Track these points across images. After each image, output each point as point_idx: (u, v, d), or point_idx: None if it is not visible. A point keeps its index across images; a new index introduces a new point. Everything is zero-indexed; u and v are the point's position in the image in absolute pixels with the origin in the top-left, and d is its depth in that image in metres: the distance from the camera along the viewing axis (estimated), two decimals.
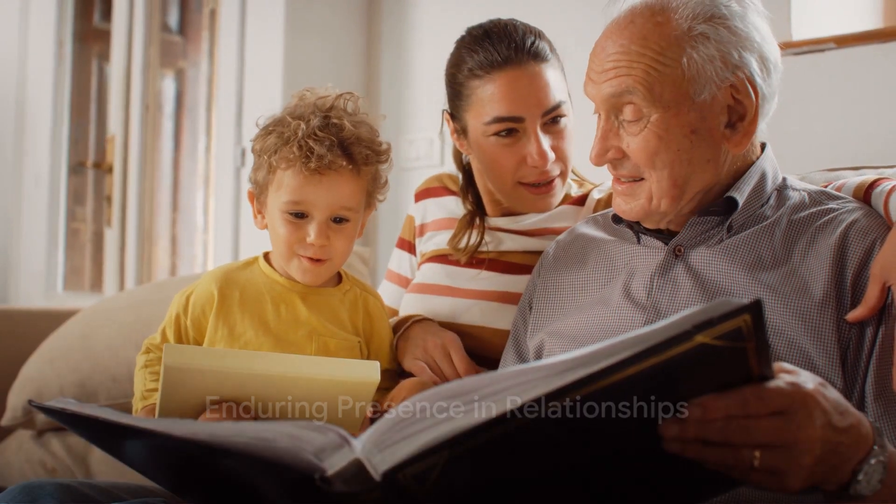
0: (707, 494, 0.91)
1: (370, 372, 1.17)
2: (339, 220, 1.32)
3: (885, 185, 1.21)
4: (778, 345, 1.10)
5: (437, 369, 1.42)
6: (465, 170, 1.62)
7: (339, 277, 1.41)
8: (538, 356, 1.33)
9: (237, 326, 1.33)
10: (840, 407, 0.86)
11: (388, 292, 1.71)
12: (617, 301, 1.25)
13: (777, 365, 0.85)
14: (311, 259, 1.32)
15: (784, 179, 1.27)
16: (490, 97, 1.45)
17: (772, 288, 1.15)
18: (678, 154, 1.18)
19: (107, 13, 3.90)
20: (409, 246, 1.72)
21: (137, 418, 1.11)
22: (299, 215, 1.31)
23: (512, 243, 1.55)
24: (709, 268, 1.20)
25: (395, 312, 1.63)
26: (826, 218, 1.19)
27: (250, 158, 1.40)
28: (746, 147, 1.21)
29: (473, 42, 1.48)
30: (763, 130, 1.23)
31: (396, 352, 1.47)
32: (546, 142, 1.45)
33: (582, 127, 1.48)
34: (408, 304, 1.60)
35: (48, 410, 1.02)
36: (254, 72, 3.03)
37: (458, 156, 1.63)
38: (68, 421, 1.05)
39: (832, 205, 1.21)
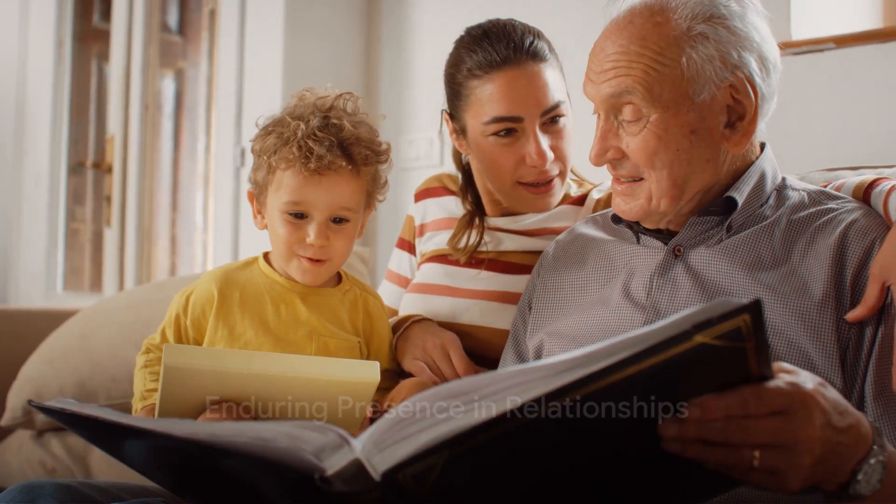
0: (707, 494, 0.91)
1: (370, 372, 1.17)
2: (338, 221, 1.32)
3: (885, 185, 1.21)
4: (777, 345, 1.10)
5: (436, 369, 1.42)
6: (465, 170, 1.62)
7: (338, 277, 1.41)
8: (538, 356, 1.33)
9: (237, 326, 1.33)
10: (839, 407, 0.86)
11: (387, 292, 1.71)
12: (616, 301, 1.25)
13: (776, 365, 0.85)
14: (310, 259, 1.32)
15: (783, 179, 1.27)
16: (489, 97, 1.45)
17: (771, 288, 1.15)
18: (677, 154, 1.18)
19: (106, 13, 3.90)
20: (408, 246, 1.72)
21: (137, 418, 1.11)
22: (299, 216, 1.31)
23: (511, 243, 1.56)
24: (708, 268, 1.20)
25: (395, 312, 1.63)
26: (825, 218, 1.19)
27: (250, 158, 1.40)
28: (746, 147, 1.21)
29: (472, 42, 1.48)
30: (762, 130, 1.23)
31: (396, 352, 1.47)
32: (545, 141, 1.45)
33: (581, 127, 1.48)
34: (407, 304, 1.60)
35: (48, 410, 1.02)
36: (253, 72, 3.03)
37: (457, 156, 1.63)
38: (68, 421, 1.05)
39: (831, 205, 1.21)
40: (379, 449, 0.77)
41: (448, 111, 1.55)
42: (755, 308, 0.76)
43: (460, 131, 1.53)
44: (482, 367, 1.44)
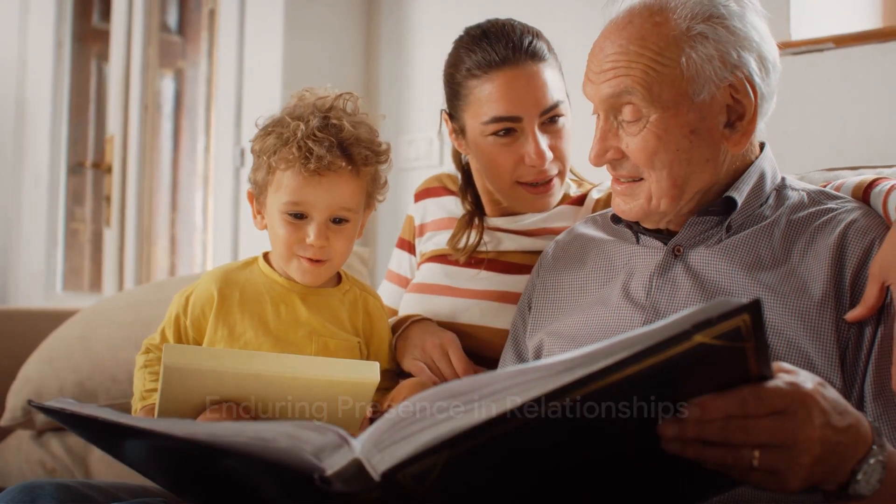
0: (706, 494, 0.91)
1: (370, 372, 1.17)
2: (338, 221, 1.32)
3: (884, 185, 1.21)
4: (777, 344, 1.10)
5: (435, 369, 1.42)
6: (465, 170, 1.62)
7: (338, 278, 1.41)
8: (537, 356, 1.33)
9: (237, 327, 1.33)
10: (839, 407, 0.86)
11: (388, 292, 1.71)
12: (616, 301, 1.25)
13: (776, 365, 0.85)
14: (310, 260, 1.32)
15: (783, 179, 1.27)
16: (488, 97, 1.45)
17: (771, 288, 1.15)
18: (677, 154, 1.18)
19: (106, 13, 3.90)
20: (408, 246, 1.72)
21: (137, 418, 1.11)
22: (299, 216, 1.31)
23: (511, 243, 1.56)
24: (708, 268, 1.20)
25: (395, 312, 1.63)
26: (825, 218, 1.19)
27: (249, 158, 1.40)
28: (745, 147, 1.21)
29: (471, 42, 1.48)
30: (762, 130, 1.23)
31: (395, 352, 1.47)
32: (544, 141, 1.45)
33: (581, 127, 1.48)
34: (407, 304, 1.60)
35: (47, 410, 1.02)
36: (253, 72, 3.03)
37: (457, 156, 1.63)
38: (68, 421, 1.05)
39: (831, 204, 1.21)
40: (378, 449, 0.77)
41: (447, 111, 1.55)
42: (755, 308, 0.76)
43: (459, 131, 1.53)
44: (482, 367, 1.44)
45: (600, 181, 1.61)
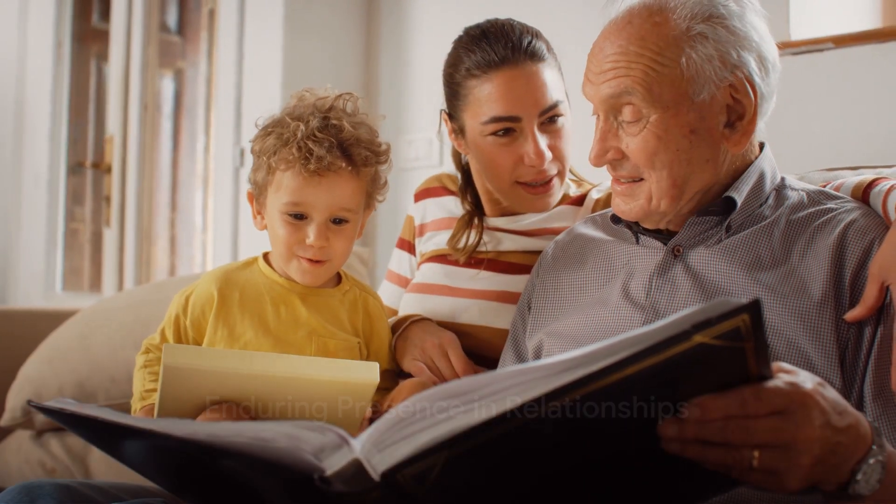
0: (706, 494, 0.91)
1: (369, 373, 1.17)
2: (338, 222, 1.32)
3: (884, 185, 1.21)
4: (777, 345, 1.10)
5: (435, 370, 1.42)
6: (464, 170, 1.62)
7: (338, 278, 1.41)
8: (537, 356, 1.33)
9: (237, 327, 1.33)
10: (839, 407, 0.86)
11: (388, 292, 1.71)
12: (616, 301, 1.25)
13: (776, 365, 0.85)
14: (310, 260, 1.32)
15: (783, 179, 1.27)
16: (487, 97, 1.45)
17: (770, 288, 1.15)
18: (677, 154, 1.18)
19: (105, 13, 3.90)
20: (408, 246, 1.72)
21: (136, 418, 1.11)
22: (299, 216, 1.31)
23: (511, 243, 1.56)
24: (707, 268, 1.20)
25: (395, 313, 1.63)
26: (825, 218, 1.19)
27: (249, 158, 1.40)
28: (745, 146, 1.21)
29: (471, 42, 1.48)
30: (762, 130, 1.23)
31: (395, 352, 1.47)
32: (543, 141, 1.45)
33: (580, 127, 1.48)
34: (407, 304, 1.60)
35: (47, 411, 1.02)
36: (253, 72, 3.03)
37: (457, 156, 1.63)
38: (67, 421, 1.05)
39: (831, 204, 1.22)
40: (378, 449, 0.77)
41: (447, 111, 1.55)
42: (754, 308, 0.76)
43: (459, 131, 1.53)
44: (481, 367, 1.44)
45: (600, 181, 1.61)
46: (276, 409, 1.18)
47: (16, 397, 2.25)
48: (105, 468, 2.20)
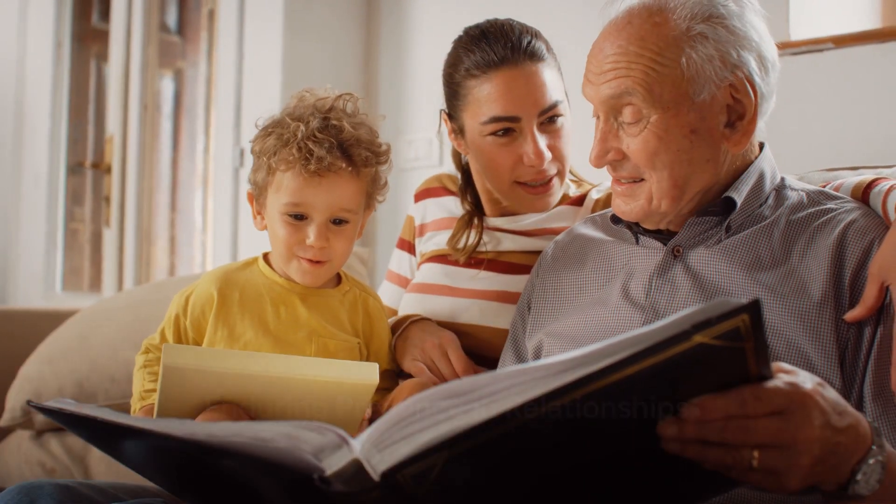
0: (706, 494, 0.91)
1: (369, 373, 1.17)
2: (338, 222, 1.32)
3: (883, 185, 1.21)
4: (776, 345, 1.10)
5: (435, 370, 1.42)
6: (464, 170, 1.62)
7: (338, 278, 1.41)
8: (537, 356, 1.33)
9: (237, 327, 1.33)
10: (838, 407, 0.86)
11: (388, 293, 1.71)
12: (615, 301, 1.25)
13: (776, 365, 0.85)
14: (310, 261, 1.32)
15: (782, 179, 1.27)
16: (487, 97, 1.45)
17: (770, 288, 1.15)
18: (678, 154, 1.18)
19: (105, 13, 3.90)
20: (409, 246, 1.72)
21: (136, 418, 1.11)
22: (299, 217, 1.31)
23: (511, 243, 1.56)
24: (707, 268, 1.20)
25: (395, 313, 1.63)
26: (824, 218, 1.19)
27: (249, 159, 1.40)
28: (746, 146, 1.21)
29: (470, 42, 1.48)
30: (762, 130, 1.23)
31: (395, 352, 1.47)
32: (543, 141, 1.45)
33: (580, 127, 1.48)
34: (407, 304, 1.60)
35: (47, 411, 1.02)
36: (252, 72, 3.03)
37: (457, 156, 1.63)
38: (67, 421, 1.05)
39: (830, 205, 1.21)
40: (378, 449, 0.77)
41: (446, 111, 1.55)
42: (754, 308, 0.76)
43: (458, 131, 1.53)
44: (481, 367, 1.44)
45: (599, 181, 1.61)
46: (276, 409, 1.18)
47: (15, 397, 2.25)
48: (105, 468, 2.20)
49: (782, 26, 1.94)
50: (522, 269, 1.52)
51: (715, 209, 1.21)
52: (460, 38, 1.52)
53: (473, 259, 1.56)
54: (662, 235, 1.26)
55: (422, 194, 1.71)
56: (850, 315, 1.10)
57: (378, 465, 0.77)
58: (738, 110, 1.19)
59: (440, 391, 0.78)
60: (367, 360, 1.39)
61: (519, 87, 1.44)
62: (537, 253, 1.49)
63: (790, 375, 0.85)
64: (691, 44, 1.15)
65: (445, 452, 0.75)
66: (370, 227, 2.85)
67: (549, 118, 1.46)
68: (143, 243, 3.68)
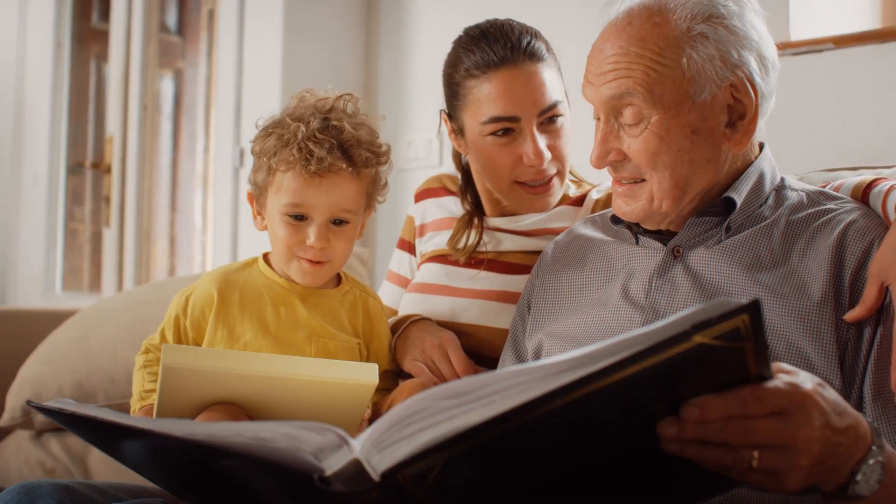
0: (705, 495, 0.91)
1: (368, 374, 1.17)
2: (338, 223, 1.32)
3: (883, 185, 1.21)
4: (776, 345, 1.10)
5: (435, 370, 1.42)
6: (464, 170, 1.62)
7: (338, 279, 1.41)
8: (537, 357, 1.33)
9: (237, 327, 1.33)
10: (838, 407, 0.86)
11: (388, 293, 1.71)
12: (615, 302, 1.25)
13: (775, 365, 0.85)
14: (310, 261, 1.32)
15: (782, 180, 1.27)
16: (486, 97, 1.45)
17: (770, 288, 1.15)
18: (679, 154, 1.18)
19: (105, 13, 3.90)
20: (409, 246, 1.72)
21: (136, 418, 1.11)
22: (299, 217, 1.31)
23: (511, 243, 1.56)
24: (707, 268, 1.20)
25: (395, 313, 1.63)
26: (824, 218, 1.19)
27: (249, 159, 1.40)
28: (747, 146, 1.21)
29: (470, 42, 1.48)
30: (762, 130, 1.23)
31: (395, 353, 1.47)
32: (542, 141, 1.45)
33: (580, 127, 1.48)
34: (407, 304, 1.60)
35: (47, 411, 1.02)
36: (252, 72, 3.03)
37: (457, 156, 1.63)
38: (67, 421, 1.05)
39: (830, 205, 1.21)
40: (378, 449, 0.77)
41: (446, 111, 1.55)
42: (754, 308, 0.76)
43: (458, 131, 1.53)
44: (482, 367, 1.44)
45: (599, 182, 1.61)
46: (276, 409, 1.18)
47: (15, 397, 2.25)
48: (105, 468, 2.20)
49: (782, 26, 1.94)
50: (522, 269, 1.52)
51: (715, 209, 1.21)
52: (460, 38, 1.52)
53: (473, 259, 1.56)
54: (662, 236, 1.26)
55: (422, 194, 1.71)
56: (850, 315, 1.10)
57: (378, 465, 0.77)
58: (739, 110, 1.19)
59: (440, 391, 0.78)
60: (367, 360, 1.39)
61: (518, 87, 1.44)
62: (537, 253, 1.49)
63: (790, 376, 0.85)
64: (692, 44, 1.15)
65: (445, 452, 0.75)
66: (370, 227, 2.85)
67: (548, 118, 1.46)
68: (143, 243, 3.68)
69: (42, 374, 2.24)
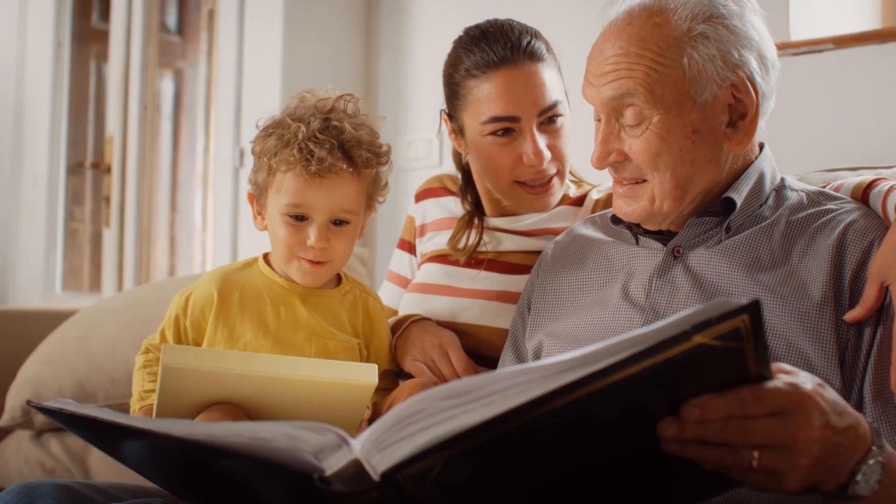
0: (705, 495, 0.91)
1: (368, 374, 1.17)
2: (339, 223, 1.32)
3: (883, 186, 1.21)
4: (776, 345, 1.10)
5: (435, 370, 1.42)
6: (465, 170, 1.62)
7: (338, 279, 1.41)
8: (537, 357, 1.33)
9: (237, 328, 1.33)
10: (838, 407, 0.86)
11: (388, 293, 1.71)
12: (615, 302, 1.25)
13: (775, 365, 0.85)
14: (311, 261, 1.32)
15: (782, 180, 1.27)
16: (486, 97, 1.45)
17: (770, 289, 1.15)
18: (680, 155, 1.17)
19: (105, 13, 3.90)
20: (409, 246, 1.72)
21: (135, 418, 1.11)
22: (299, 218, 1.31)
23: (511, 243, 1.56)
24: (707, 269, 1.20)
25: (396, 313, 1.63)
26: (824, 218, 1.19)
27: (249, 159, 1.40)
28: (748, 146, 1.21)
29: (470, 42, 1.48)
30: (762, 129, 1.23)
31: (395, 353, 1.47)
32: (542, 141, 1.45)
33: (580, 127, 1.48)
34: (407, 304, 1.60)
35: (47, 411, 1.02)
36: (252, 72, 3.03)
37: (457, 156, 1.63)
38: (67, 421, 1.05)
39: (830, 205, 1.21)
40: (378, 449, 0.77)
41: (446, 111, 1.55)
42: (754, 309, 0.76)
43: (458, 131, 1.53)
44: (482, 367, 1.44)
45: (600, 182, 1.61)
46: (276, 409, 1.18)
47: (15, 397, 2.25)
48: (105, 468, 2.20)
49: (782, 26, 1.94)
50: (522, 269, 1.52)
51: (715, 210, 1.21)
52: (460, 38, 1.52)
53: (474, 259, 1.56)
54: (662, 236, 1.26)
55: (422, 194, 1.71)
56: (850, 315, 1.10)
57: (378, 465, 0.77)
58: (740, 110, 1.19)
59: (440, 391, 0.78)
60: (368, 360, 1.39)
61: (518, 87, 1.44)
62: (537, 253, 1.49)
63: (790, 376, 0.85)
64: (692, 44, 1.15)
65: (445, 452, 0.75)
66: (370, 227, 2.85)
67: (548, 118, 1.46)
68: (143, 243, 3.68)
69: (42, 374, 2.24)
